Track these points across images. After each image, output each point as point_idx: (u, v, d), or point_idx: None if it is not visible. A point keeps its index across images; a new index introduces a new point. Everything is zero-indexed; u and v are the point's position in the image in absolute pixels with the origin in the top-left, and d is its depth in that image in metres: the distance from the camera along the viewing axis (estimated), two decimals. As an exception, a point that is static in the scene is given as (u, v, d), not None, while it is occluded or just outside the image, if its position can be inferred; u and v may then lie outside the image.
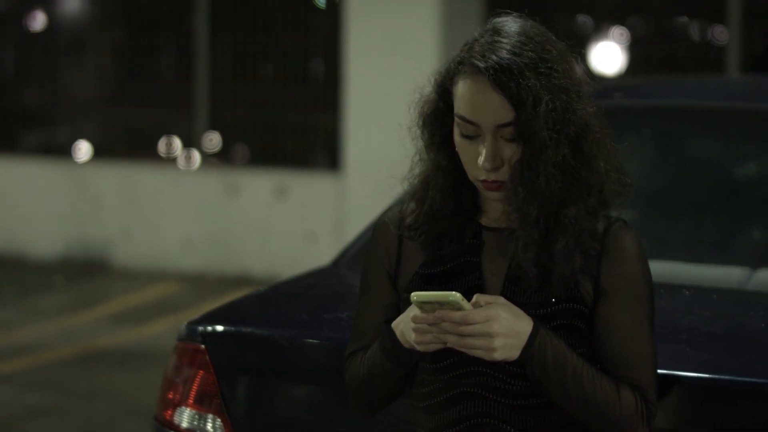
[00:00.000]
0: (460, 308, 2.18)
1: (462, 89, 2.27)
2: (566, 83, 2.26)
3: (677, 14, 9.58)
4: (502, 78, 2.22)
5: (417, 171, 2.40)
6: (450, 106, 2.31)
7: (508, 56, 2.23)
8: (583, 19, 9.72)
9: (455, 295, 2.16)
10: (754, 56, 9.18)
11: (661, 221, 3.58)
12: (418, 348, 2.26)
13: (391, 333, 2.33)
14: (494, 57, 2.23)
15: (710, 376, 2.53)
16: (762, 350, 2.72)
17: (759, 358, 2.64)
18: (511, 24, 2.29)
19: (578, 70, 2.32)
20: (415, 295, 2.19)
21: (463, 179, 2.34)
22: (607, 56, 9.52)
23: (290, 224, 9.87)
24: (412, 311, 2.24)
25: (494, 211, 2.36)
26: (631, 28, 9.58)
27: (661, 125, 3.81)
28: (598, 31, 9.65)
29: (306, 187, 9.91)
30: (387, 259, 2.44)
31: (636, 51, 9.56)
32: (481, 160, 2.26)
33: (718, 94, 4.11)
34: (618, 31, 9.58)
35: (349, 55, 9.45)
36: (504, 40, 2.25)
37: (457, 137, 2.30)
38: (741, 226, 3.51)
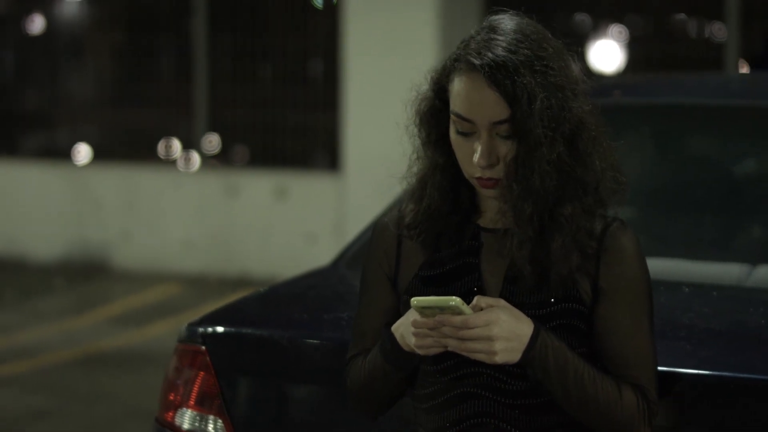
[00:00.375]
0: (460, 312, 2.18)
1: (458, 86, 2.27)
2: (562, 81, 2.25)
3: (676, 12, 9.58)
4: (498, 75, 2.21)
5: (415, 169, 2.40)
6: (446, 103, 2.31)
7: (503, 54, 2.23)
8: (582, 18, 9.72)
9: (455, 300, 2.16)
10: (752, 54, 9.18)
11: (660, 219, 3.58)
12: (419, 352, 2.26)
13: (391, 336, 2.33)
14: (490, 54, 2.23)
15: (710, 373, 2.53)
16: (762, 347, 2.71)
17: (759, 355, 2.64)
18: (507, 22, 2.29)
19: (574, 68, 2.31)
20: (415, 300, 2.19)
21: (460, 177, 2.34)
22: (606, 54, 9.52)
23: (290, 225, 9.86)
24: (412, 315, 2.24)
25: (492, 211, 2.35)
26: (629, 26, 9.58)
27: (660, 123, 3.81)
28: (596, 29, 9.65)
29: (306, 188, 9.91)
30: (386, 260, 2.44)
31: (635, 49, 9.56)
32: (476, 157, 2.26)
33: (717, 91, 4.10)
34: (617, 29, 9.58)
35: (349, 54, 9.45)
36: (500, 38, 2.25)
37: (452, 134, 2.30)
38: (740, 223, 3.51)
